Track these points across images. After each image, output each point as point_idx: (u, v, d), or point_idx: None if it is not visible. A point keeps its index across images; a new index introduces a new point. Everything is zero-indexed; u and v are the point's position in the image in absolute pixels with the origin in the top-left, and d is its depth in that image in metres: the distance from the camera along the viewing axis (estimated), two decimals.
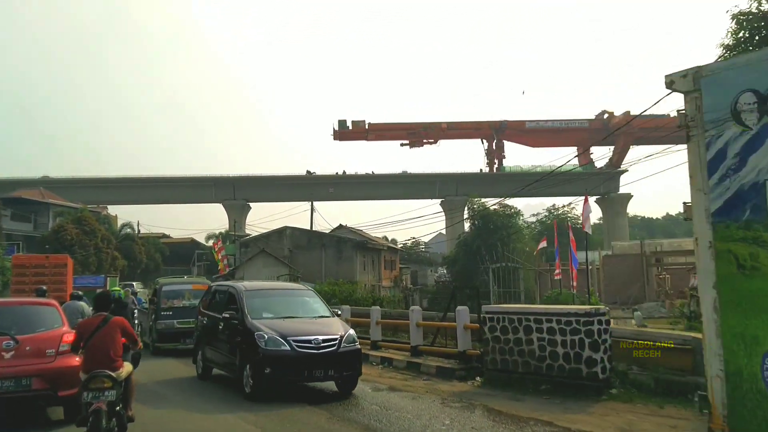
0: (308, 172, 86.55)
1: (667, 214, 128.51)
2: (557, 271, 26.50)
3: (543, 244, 32.48)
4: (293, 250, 41.96)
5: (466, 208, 55.07)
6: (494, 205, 55.54)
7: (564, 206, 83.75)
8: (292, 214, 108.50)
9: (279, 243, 42.07)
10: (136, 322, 15.79)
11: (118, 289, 15.91)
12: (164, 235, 65.30)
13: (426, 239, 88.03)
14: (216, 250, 40.55)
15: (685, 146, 5.83)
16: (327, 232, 46.39)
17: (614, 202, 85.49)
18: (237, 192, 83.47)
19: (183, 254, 61.89)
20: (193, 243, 65.80)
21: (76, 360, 6.99)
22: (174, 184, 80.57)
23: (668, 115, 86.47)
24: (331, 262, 42.18)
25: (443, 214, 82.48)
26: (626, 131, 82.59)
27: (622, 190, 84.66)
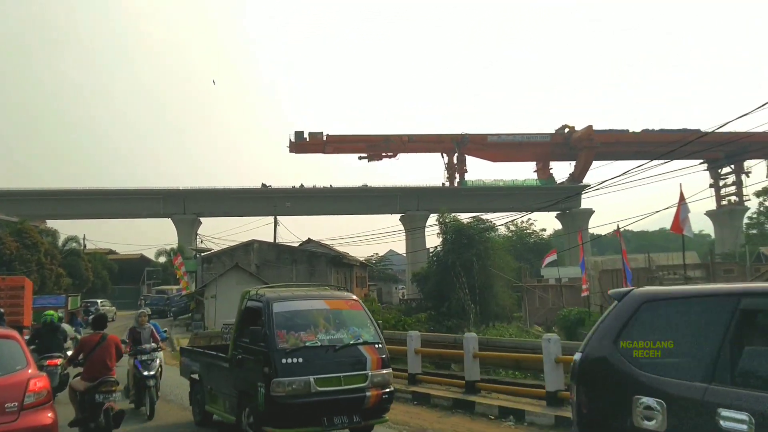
0: (264, 185, 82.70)
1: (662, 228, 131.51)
2: (585, 287, 23.96)
3: (552, 256, 30.20)
4: (260, 266, 38.51)
5: (437, 222, 52.67)
6: (469, 219, 53.67)
7: (525, 221, 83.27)
8: (249, 230, 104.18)
9: (245, 258, 38.50)
10: (68, 352, 10.97)
11: (52, 312, 12.42)
12: (111, 251, 60.14)
13: (379, 254, 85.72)
14: (177, 265, 36.69)
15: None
16: (295, 246, 43.04)
17: (576, 217, 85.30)
18: (187, 206, 78.74)
19: (132, 271, 57.05)
20: (142, 259, 60.91)
21: (49, 417, 5.64)
22: (120, 197, 75.12)
23: (628, 130, 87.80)
24: (303, 278, 38.88)
25: (403, 230, 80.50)
26: (588, 146, 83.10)
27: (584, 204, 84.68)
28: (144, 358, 10.40)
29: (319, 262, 39.20)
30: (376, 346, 7.60)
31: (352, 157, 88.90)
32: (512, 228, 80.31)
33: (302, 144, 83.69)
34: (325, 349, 7.31)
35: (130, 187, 77.52)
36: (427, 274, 54.87)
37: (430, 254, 53.38)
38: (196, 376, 9.81)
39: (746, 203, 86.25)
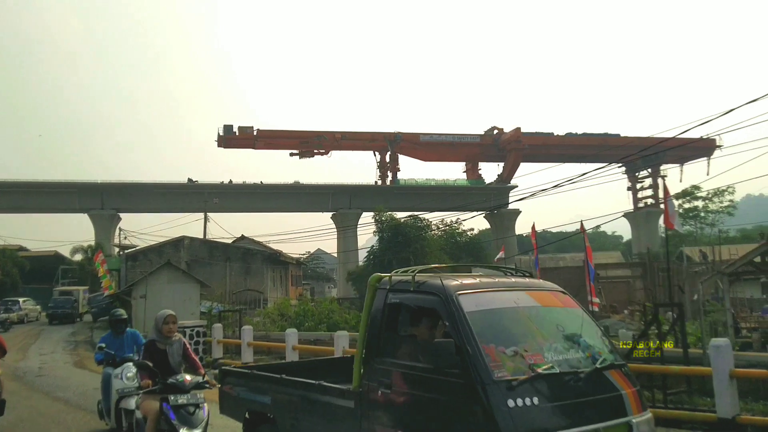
0: (190, 180, 79.11)
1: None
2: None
3: (501, 254, 29.83)
4: (191, 263, 36.33)
5: (374, 220, 51.88)
6: (406, 217, 53.20)
7: (454, 221, 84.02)
8: (176, 226, 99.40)
9: (175, 255, 36.16)
10: None
11: None
12: (22, 248, 55.40)
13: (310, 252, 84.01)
14: (98, 263, 33.89)
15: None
16: (229, 243, 40.97)
17: (503, 217, 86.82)
18: (106, 201, 74.11)
19: (44, 270, 52.73)
20: (56, 257, 56.51)
21: None
22: (31, 190, 69.56)
23: (553, 133, 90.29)
24: (238, 276, 37.07)
25: (335, 228, 79.27)
26: (516, 148, 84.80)
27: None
28: (182, 401, 5.88)
29: (254, 260, 37.45)
30: (623, 370, 4.61)
31: (284, 154, 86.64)
32: (441, 227, 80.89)
33: (231, 138, 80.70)
34: (563, 379, 4.16)
35: (42, 179, 72.05)
36: (362, 273, 54.02)
37: (367, 252, 52.56)
38: (263, 415, 6.10)
39: (661, 206, 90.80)
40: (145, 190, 74.92)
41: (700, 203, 61.16)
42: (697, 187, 61.38)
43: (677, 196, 63.46)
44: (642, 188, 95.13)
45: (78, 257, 56.15)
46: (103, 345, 7.72)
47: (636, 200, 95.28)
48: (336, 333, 10.92)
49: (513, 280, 5.36)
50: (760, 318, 24.33)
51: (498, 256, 30.32)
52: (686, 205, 63.40)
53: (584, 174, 25.34)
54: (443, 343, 4.09)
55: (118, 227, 53.21)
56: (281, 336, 13.18)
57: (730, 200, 61.31)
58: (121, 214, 77.90)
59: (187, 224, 71.18)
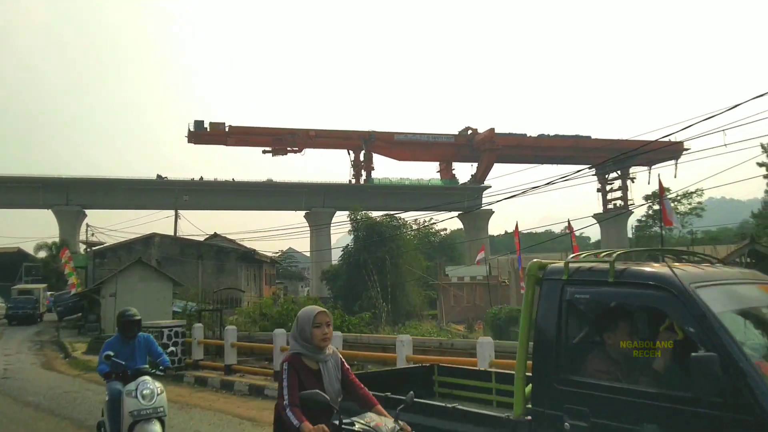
0: (159, 176, 77.47)
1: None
2: (523, 284, 23.40)
3: (481, 255, 29.63)
4: (162, 261, 35.31)
5: (349, 219, 51.34)
6: (381, 216, 52.82)
7: (428, 220, 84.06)
8: (145, 223, 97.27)
9: (145, 252, 35.13)
10: None
11: None
12: None
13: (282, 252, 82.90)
14: (65, 260, 32.74)
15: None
16: (201, 240, 40.00)
17: (477, 217, 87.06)
18: (71, 196, 72.05)
19: (6, 266, 50.87)
20: (19, 253, 54.56)
21: None
22: None
23: (526, 134, 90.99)
24: (210, 275, 36.21)
25: (308, 227, 78.46)
26: (490, 148, 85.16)
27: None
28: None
29: (228, 258, 36.62)
30: None
31: (256, 151, 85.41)
32: (414, 227, 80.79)
33: (202, 134, 79.22)
34: None
35: (4, 173, 69.60)
36: (337, 272, 53.42)
37: (342, 251, 51.97)
38: None
39: (630, 207, 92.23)
40: (112, 185, 73.04)
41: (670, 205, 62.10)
42: (666, 189, 62.29)
43: (646, 198, 64.42)
44: (611, 190, 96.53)
45: (42, 254, 54.34)
46: (111, 353, 5.90)
47: (605, 202, 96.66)
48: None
49: (726, 269, 3.82)
50: None
51: (478, 257, 30.21)
52: (656, 207, 64.38)
53: (565, 177, 25.36)
54: (704, 358, 2.74)
55: (84, 223, 51.43)
56: (266, 336, 12.62)
57: (699, 202, 62.44)
58: (87, 211, 75.79)
59: (156, 221, 69.41)
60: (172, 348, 12.29)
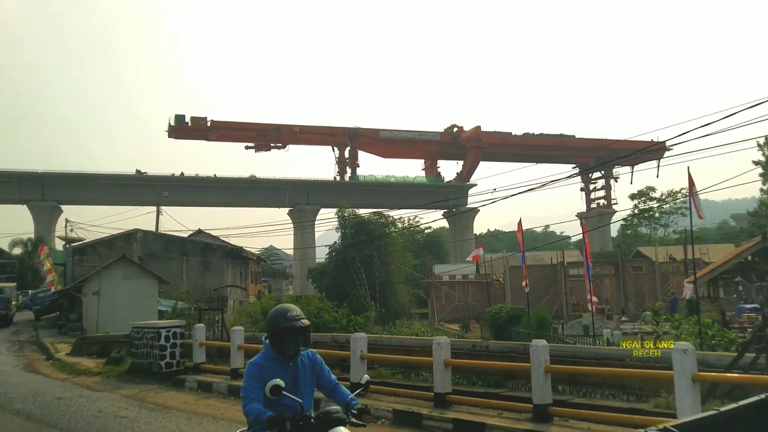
0: (138, 171, 75.65)
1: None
2: (525, 282, 22.52)
3: (479, 251, 28.91)
4: (145, 258, 34.04)
5: (336, 216, 50.44)
6: (369, 214, 52.04)
7: (412, 218, 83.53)
8: (125, 219, 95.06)
9: (127, 249, 33.80)
10: None
11: None
12: None
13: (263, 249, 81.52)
14: (43, 257, 31.34)
15: None
16: (185, 237, 38.74)
17: (462, 216, 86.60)
18: (47, 191, 69.96)
19: None
20: None
21: None
22: None
23: (511, 133, 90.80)
24: (195, 273, 35.00)
25: (292, 224, 77.33)
26: (476, 146, 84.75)
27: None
28: None
29: (214, 255, 35.47)
30: None
31: (239, 147, 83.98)
32: (399, 225, 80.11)
33: (183, 129, 77.49)
34: None
35: None
36: (324, 270, 52.49)
37: (329, 249, 51.05)
38: None
39: (614, 206, 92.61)
40: (89, 180, 71.06)
41: (654, 204, 62.27)
42: (651, 188, 62.47)
43: (632, 197, 64.47)
44: (595, 189, 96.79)
45: (17, 251, 52.50)
46: (281, 383, 3.29)
47: (589, 201, 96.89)
48: (354, 336, 9.14)
49: None
50: (737, 317, 24.26)
51: (475, 254, 29.55)
52: (641, 206, 64.53)
53: (554, 179, 24.79)
54: None
55: (63, 219, 49.71)
56: None
57: (684, 201, 62.62)
58: (64, 207, 73.82)
59: (136, 218, 67.54)
60: (170, 350, 11.39)
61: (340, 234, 50.49)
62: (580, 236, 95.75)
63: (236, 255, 36.68)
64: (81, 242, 35.18)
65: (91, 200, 71.18)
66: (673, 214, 62.02)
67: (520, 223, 21.75)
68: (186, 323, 12.40)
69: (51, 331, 26.53)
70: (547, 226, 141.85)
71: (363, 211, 54.12)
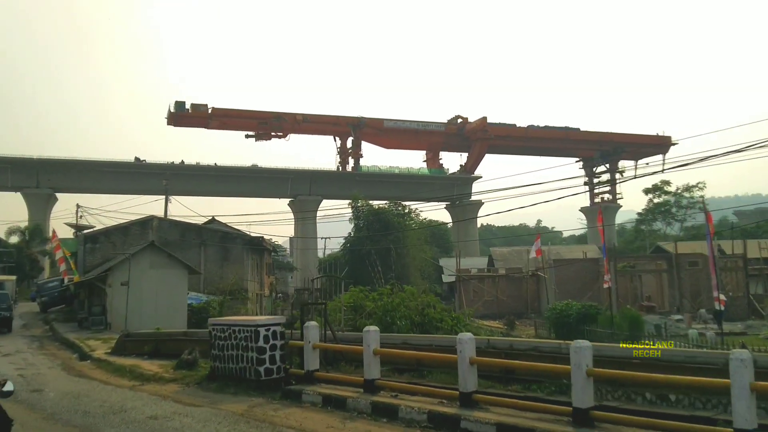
0: (137, 159, 73.11)
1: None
2: (607, 278, 20.84)
3: (537, 243, 27.08)
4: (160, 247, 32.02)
5: (350, 206, 48.53)
6: (385, 204, 50.29)
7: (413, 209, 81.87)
8: (122, 209, 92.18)
9: (142, 237, 31.77)
10: None
11: None
12: None
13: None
14: (53, 246, 29.17)
15: None
16: (202, 225, 36.61)
17: (466, 209, 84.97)
18: (42, 179, 67.31)
19: None
20: None
21: None
22: None
23: (515, 125, 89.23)
24: (214, 263, 33.06)
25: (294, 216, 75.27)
26: (483, 137, 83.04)
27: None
28: None
29: (234, 245, 33.45)
30: None
31: (238, 136, 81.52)
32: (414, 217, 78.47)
33: (183, 116, 74.96)
34: None
35: None
36: (335, 262, 50.57)
37: (344, 239, 49.17)
38: None
39: (619, 201, 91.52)
40: (86, 168, 68.42)
41: (671, 198, 61.02)
42: (666, 182, 61.20)
43: (647, 191, 63.18)
44: (599, 183, 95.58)
45: (14, 239, 49.99)
46: None
47: (593, 195, 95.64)
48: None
49: None
50: None
51: (536, 246, 27.85)
52: (656, 200, 63.29)
53: (561, 178, 23.04)
54: None
55: (74, 204, 47.11)
56: (393, 339, 9.78)
57: (701, 196, 61.42)
58: (59, 195, 71.17)
59: (139, 206, 65.16)
60: (270, 353, 9.52)
61: (353, 225, 48.71)
62: (575, 231, 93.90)
63: (257, 245, 34.69)
64: (92, 229, 32.95)
65: (88, 188, 68.53)
66: (691, 208, 60.71)
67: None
68: (286, 322, 10.37)
69: (68, 325, 24.42)
70: (539, 221, 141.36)
71: (372, 203, 52.35)
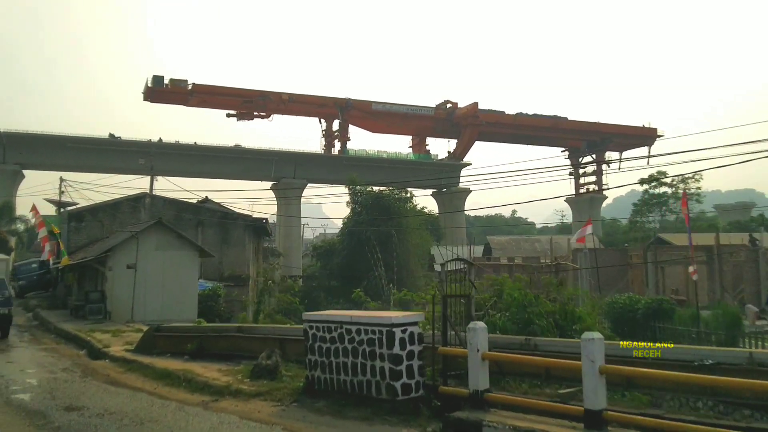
0: (112, 135, 68.96)
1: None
2: (693, 268, 18.64)
3: (588, 229, 24.91)
4: None
5: (348, 189, 45.86)
6: (382, 187, 47.85)
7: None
8: (99, 186, 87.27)
9: (133, 216, 28.76)
10: None
11: None
12: None
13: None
14: (37, 222, 25.94)
15: None
16: (200, 204, 33.59)
17: (453, 196, 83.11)
18: (8, 154, 62.95)
19: None
20: None
21: None
22: None
23: (504, 112, 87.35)
24: (213, 246, 30.02)
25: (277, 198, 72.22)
26: (473, 123, 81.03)
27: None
28: None
29: (235, 227, 30.62)
30: None
31: (219, 115, 77.97)
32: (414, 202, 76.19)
33: (161, 91, 70.98)
34: None
35: None
36: (331, 248, 48.05)
37: (342, 224, 46.55)
38: None
39: (605, 191, 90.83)
40: (57, 143, 64.09)
41: (668, 190, 60.00)
42: (663, 173, 60.03)
43: (642, 182, 62.00)
44: (585, 174, 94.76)
45: None
46: None
47: (578, 185, 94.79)
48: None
49: None
50: None
51: (580, 234, 25.77)
52: (652, 191, 62.21)
53: (547, 166, 21.16)
54: None
55: (57, 178, 43.59)
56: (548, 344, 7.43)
57: (698, 188, 60.63)
58: (26, 171, 66.71)
59: (118, 185, 61.17)
60: (407, 362, 7.07)
61: (350, 209, 46.17)
62: (550, 223, 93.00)
63: (260, 227, 31.92)
64: (77, 206, 29.70)
65: (59, 165, 63.97)
66: (689, 200, 59.68)
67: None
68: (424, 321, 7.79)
69: (56, 313, 21.36)
70: (514, 212, 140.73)
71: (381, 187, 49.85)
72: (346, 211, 46.54)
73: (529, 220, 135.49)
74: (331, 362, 7.51)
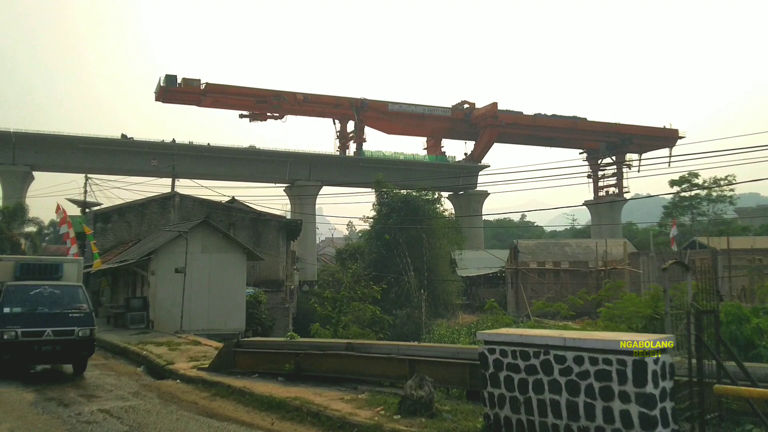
0: (124, 136, 67.23)
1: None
2: None
3: (674, 230, 23.06)
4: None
5: (375, 191, 44.01)
6: (409, 189, 46.01)
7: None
8: (110, 188, 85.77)
9: (162, 216, 27.03)
10: None
11: None
12: None
13: None
14: (60, 221, 24.02)
15: None
16: (231, 205, 31.74)
17: (471, 199, 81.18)
18: (18, 155, 61.12)
19: None
20: None
21: None
22: None
23: (521, 112, 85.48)
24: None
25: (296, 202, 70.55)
26: (492, 124, 79.16)
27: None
28: None
29: (268, 229, 28.81)
30: None
31: (232, 116, 76.15)
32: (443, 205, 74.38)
33: (174, 91, 69.23)
34: None
35: None
36: (355, 252, 46.31)
37: (369, 226, 44.71)
38: None
39: (626, 194, 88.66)
40: (68, 144, 62.35)
41: (702, 192, 57.98)
42: (695, 174, 58.12)
43: (672, 183, 60.13)
44: (604, 176, 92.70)
45: None
46: None
47: (597, 188, 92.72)
48: None
49: None
50: None
51: (673, 233, 23.93)
52: (683, 194, 60.21)
53: (564, 166, 19.41)
54: None
55: (82, 177, 41.79)
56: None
57: (731, 189, 58.59)
58: (36, 173, 65.01)
59: (132, 185, 59.58)
60: (660, 405, 5.21)
61: (376, 212, 44.35)
62: (557, 227, 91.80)
63: (294, 229, 30.09)
64: (103, 207, 27.86)
65: (69, 167, 62.30)
66: (722, 202, 57.80)
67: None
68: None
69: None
70: (523, 216, 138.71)
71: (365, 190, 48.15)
72: (346, 214, 44.77)
73: (536, 224, 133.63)
74: (530, 399, 5.63)
